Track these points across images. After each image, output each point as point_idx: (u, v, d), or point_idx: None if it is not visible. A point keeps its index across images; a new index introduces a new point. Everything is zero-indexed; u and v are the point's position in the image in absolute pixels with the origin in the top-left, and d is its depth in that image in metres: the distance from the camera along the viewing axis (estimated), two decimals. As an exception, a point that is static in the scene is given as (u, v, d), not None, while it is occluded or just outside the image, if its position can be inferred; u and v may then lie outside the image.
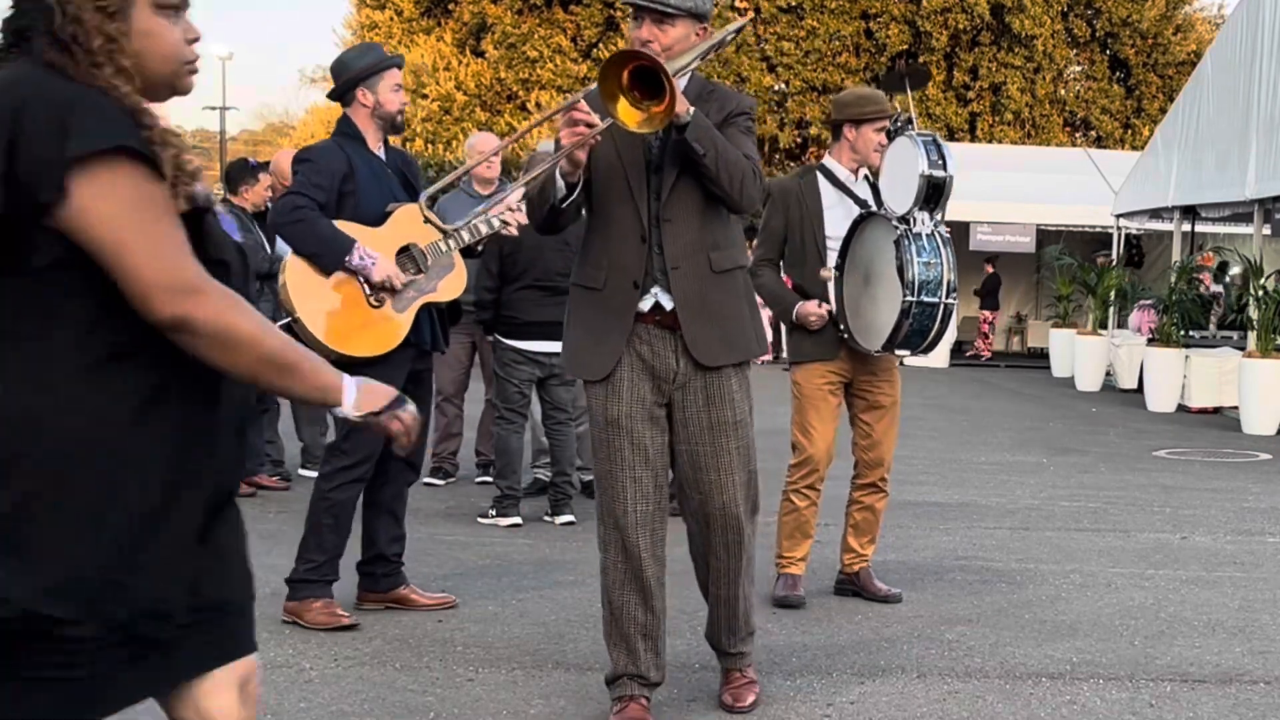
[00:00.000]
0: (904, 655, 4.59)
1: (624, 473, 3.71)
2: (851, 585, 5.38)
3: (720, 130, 3.67)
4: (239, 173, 7.80)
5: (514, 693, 4.05)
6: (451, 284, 4.86)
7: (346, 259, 4.61)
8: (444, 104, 28.66)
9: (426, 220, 3.77)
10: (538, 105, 27.67)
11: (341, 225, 4.67)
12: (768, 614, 5.07)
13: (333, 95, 4.95)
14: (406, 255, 4.76)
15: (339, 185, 4.72)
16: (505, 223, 4.97)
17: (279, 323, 4.93)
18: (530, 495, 7.15)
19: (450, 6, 29.41)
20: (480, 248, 5.08)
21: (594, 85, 3.51)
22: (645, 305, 3.72)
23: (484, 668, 4.29)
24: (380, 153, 4.91)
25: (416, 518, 6.52)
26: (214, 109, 49.09)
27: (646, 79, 3.38)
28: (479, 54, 28.91)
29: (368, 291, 4.67)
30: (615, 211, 3.70)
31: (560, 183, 3.61)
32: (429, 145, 28.40)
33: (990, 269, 21.16)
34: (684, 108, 3.52)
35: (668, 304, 3.71)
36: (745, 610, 3.97)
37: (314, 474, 5.25)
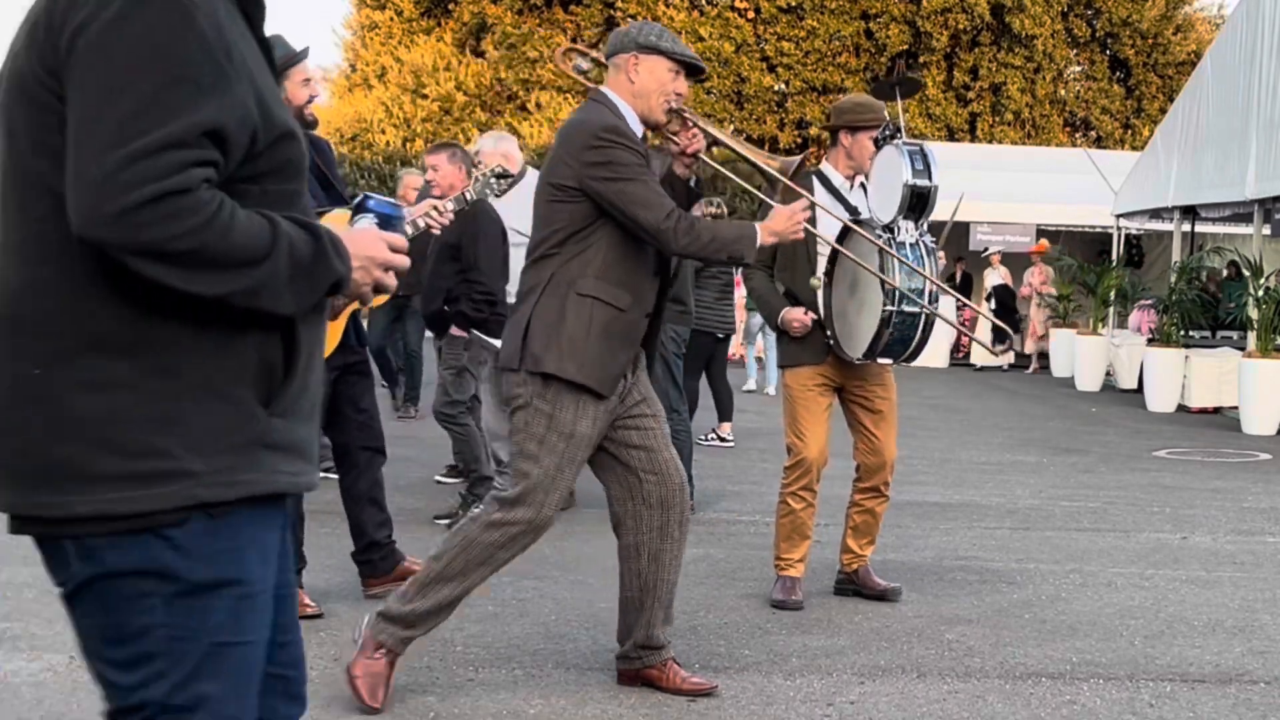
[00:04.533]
0: (904, 655, 4.60)
1: (564, 480, 3.92)
2: (850, 583, 5.38)
3: None
4: (429, 189, 7.81)
5: (514, 693, 4.06)
6: None
7: None
8: (444, 104, 28.66)
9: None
10: (538, 105, 27.70)
11: None
12: (768, 614, 5.07)
13: None
14: None
15: None
16: (430, 223, 4.97)
17: None
18: None
19: (450, 6, 29.42)
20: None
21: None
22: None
23: (484, 668, 4.29)
24: None
25: (416, 518, 6.53)
26: (214, 109, 49.01)
27: None
28: (479, 54, 28.92)
29: None
30: (646, 249, 3.97)
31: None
32: (429, 145, 28.38)
33: (960, 270, 21.15)
34: None
35: None
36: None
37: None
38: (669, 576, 4.06)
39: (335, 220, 4.86)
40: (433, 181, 6.62)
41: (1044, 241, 19.04)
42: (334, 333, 4.79)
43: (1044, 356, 19.09)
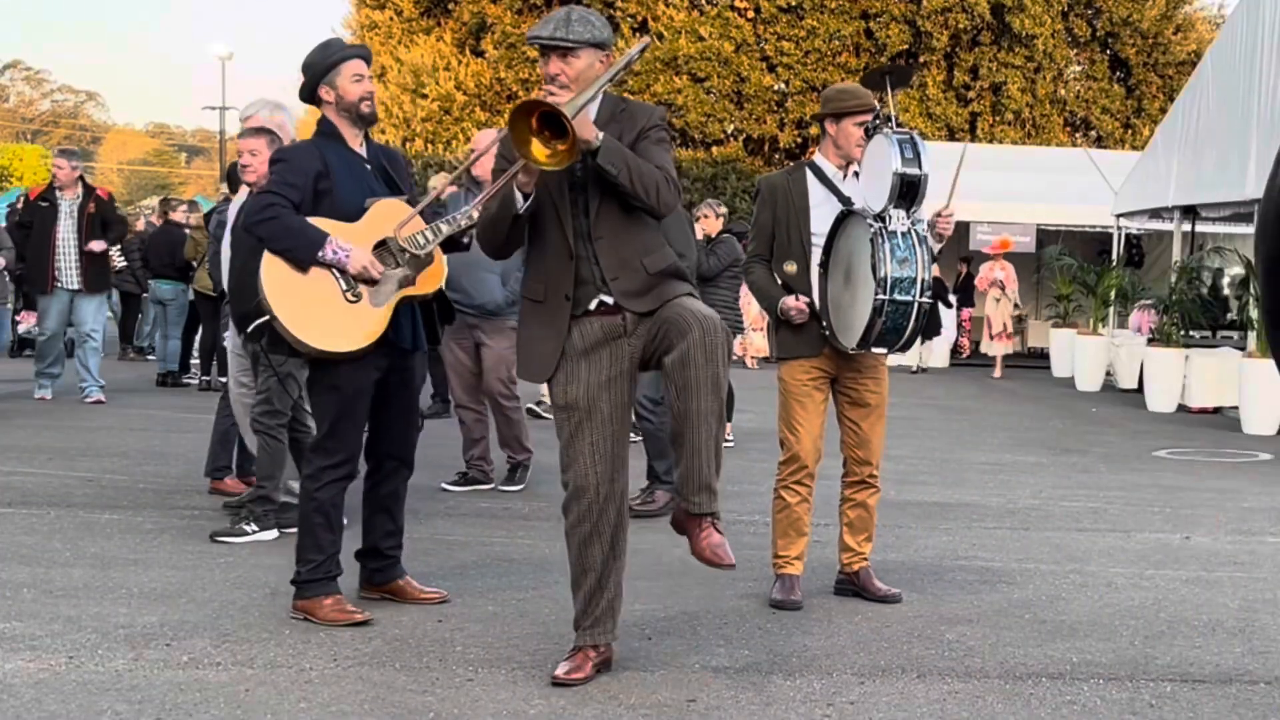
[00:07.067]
0: (904, 655, 4.60)
1: (582, 442, 4.10)
2: (851, 585, 5.38)
3: (634, 146, 4.07)
4: (240, 172, 7.78)
5: (514, 693, 4.06)
6: (430, 277, 4.85)
7: (319, 254, 4.64)
8: (444, 104, 28.65)
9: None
10: (538, 105, 27.64)
11: (316, 222, 4.69)
12: (768, 614, 5.07)
13: (302, 97, 4.97)
14: (383, 249, 4.75)
15: (314, 184, 4.75)
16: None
17: (257, 321, 5.18)
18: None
19: (450, 6, 29.41)
20: (467, 239, 4.96)
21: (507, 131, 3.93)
22: (591, 305, 4.11)
23: (484, 668, 4.29)
24: (360, 149, 4.92)
25: (416, 518, 6.52)
26: (214, 109, 49.22)
27: (553, 121, 3.80)
28: (479, 54, 28.91)
29: (344, 287, 4.69)
30: (548, 233, 4.10)
31: (519, 195, 4.01)
32: (429, 145, 28.41)
33: (964, 269, 21.10)
34: (592, 134, 3.91)
35: (610, 300, 4.10)
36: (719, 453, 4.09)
37: None
38: (699, 406, 3.93)
39: (386, 208, 4.84)
40: (248, 166, 6.18)
41: (1007, 238, 18.96)
42: (378, 328, 4.73)
43: (1012, 357, 19.00)
